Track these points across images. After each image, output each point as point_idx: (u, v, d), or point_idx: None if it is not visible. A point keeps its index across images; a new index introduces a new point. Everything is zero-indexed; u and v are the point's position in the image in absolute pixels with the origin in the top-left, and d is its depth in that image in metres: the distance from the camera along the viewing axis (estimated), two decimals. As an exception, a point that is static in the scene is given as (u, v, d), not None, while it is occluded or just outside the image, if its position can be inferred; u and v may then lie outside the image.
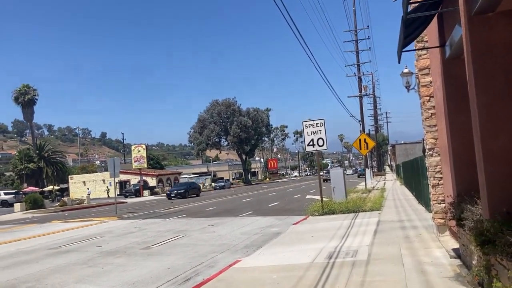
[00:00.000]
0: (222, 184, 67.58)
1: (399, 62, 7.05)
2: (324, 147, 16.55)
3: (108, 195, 59.08)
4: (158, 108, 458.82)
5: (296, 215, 17.33)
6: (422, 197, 15.52)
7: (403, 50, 7.04)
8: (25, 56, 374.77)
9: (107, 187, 61.13)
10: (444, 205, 9.00)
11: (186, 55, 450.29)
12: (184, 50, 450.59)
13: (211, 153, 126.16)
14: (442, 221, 9.01)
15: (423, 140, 13.57)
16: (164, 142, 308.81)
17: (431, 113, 9.11)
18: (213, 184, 71.60)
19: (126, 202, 43.63)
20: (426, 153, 9.40)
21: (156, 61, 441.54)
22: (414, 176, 18.86)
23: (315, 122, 16.65)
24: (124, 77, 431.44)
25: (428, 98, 9.14)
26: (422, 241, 8.90)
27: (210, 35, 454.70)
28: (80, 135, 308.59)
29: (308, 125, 16.71)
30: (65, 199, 42.44)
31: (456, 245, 7.90)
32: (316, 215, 15.89)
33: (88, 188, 58.13)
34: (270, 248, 10.12)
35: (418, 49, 8.52)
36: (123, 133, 78.55)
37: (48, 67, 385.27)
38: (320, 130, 16.52)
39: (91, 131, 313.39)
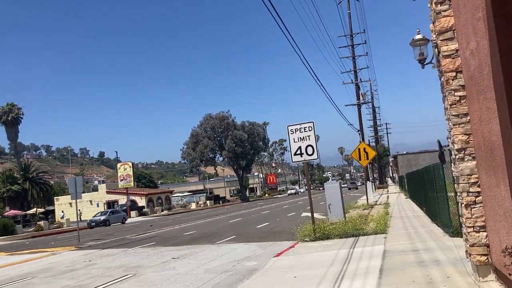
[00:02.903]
0: (101, 218, 38.81)
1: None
2: (315, 156, 13.48)
3: (80, 218, 54.84)
4: (157, 125, 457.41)
5: (284, 240, 14.29)
6: (438, 215, 12.43)
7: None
8: (17, 74, 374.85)
9: (79, 210, 57.58)
10: (485, 233, 5.94)
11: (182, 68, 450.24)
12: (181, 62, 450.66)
13: (211, 169, 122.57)
14: (484, 258, 5.92)
15: (439, 142, 10.53)
16: (164, 160, 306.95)
17: (460, 96, 6.09)
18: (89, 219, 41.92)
19: (109, 225, 40.39)
20: (454, 157, 6.36)
21: (152, 77, 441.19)
22: (424, 188, 15.77)
23: (303, 126, 13.64)
24: (122, 96, 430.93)
25: (453, 74, 6.13)
26: (456, 291, 5.78)
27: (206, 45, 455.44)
28: (78, 155, 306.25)
29: (294, 130, 13.68)
30: (42, 223, 39.19)
31: (518, 304, 4.83)
32: (307, 241, 12.77)
33: (62, 211, 54.76)
34: (233, 299, 7.01)
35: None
36: (117, 152, 75.28)
37: (47, 86, 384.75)
38: (309, 136, 13.49)
39: (89, 150, 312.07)
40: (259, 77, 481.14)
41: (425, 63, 6.74)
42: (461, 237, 10.21)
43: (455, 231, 10.21)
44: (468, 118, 6.02)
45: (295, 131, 13.63)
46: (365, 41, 44.92)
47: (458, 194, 6.44)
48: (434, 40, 6.55)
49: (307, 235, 13.12)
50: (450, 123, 6.30)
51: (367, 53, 43.38)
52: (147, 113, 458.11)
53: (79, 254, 16.15)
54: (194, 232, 21.29)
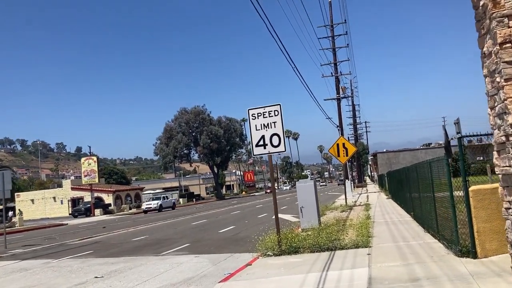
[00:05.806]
0: None
1: None
2: (281, 148, 10.69)
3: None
4: (135, 121, 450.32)
5: (244, 252, 11.62)
6: (435, 223, 9.77)
7: None
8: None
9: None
10: None
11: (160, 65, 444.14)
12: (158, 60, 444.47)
13: (190, 166, 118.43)
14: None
15: (444, 129, 7.84)
16: (143, 156, 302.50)
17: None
18: None
19: (67, 224, 37.09)
20: (503, 140, 3.59)
21: (129, 69, 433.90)
22: (414, 189, 13.14)
23: (267, 109, 10.84)
24: (100, 91, 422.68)
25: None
26: None
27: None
28: (55, 150, 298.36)
29: (256, 115, 10.86)
30: (-11, 223, 35.49)
31: None
32: (269, 255, 10.00)
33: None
34: None
35: None
36: (90, 146, 70.62)
37: (24, 80, 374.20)
38: (274, 122, 10.70)
39: (66, 145, 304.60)
40: (240, 73, 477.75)
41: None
42: (473, 257, 7.49)
43: (464, 249, 7.55)
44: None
45: (258, 116, 10.82)
46: (346, 32, 42.30)
47: (507, 205, 3.71)
48: None
49: (270, 248, 10.33)
50: (497, 79, 3.55)
51: (348, 44, 40.81)
52: (125, 108, 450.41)
53: (-12, 268, 12.98)
54: (146, 237, 18.28)
